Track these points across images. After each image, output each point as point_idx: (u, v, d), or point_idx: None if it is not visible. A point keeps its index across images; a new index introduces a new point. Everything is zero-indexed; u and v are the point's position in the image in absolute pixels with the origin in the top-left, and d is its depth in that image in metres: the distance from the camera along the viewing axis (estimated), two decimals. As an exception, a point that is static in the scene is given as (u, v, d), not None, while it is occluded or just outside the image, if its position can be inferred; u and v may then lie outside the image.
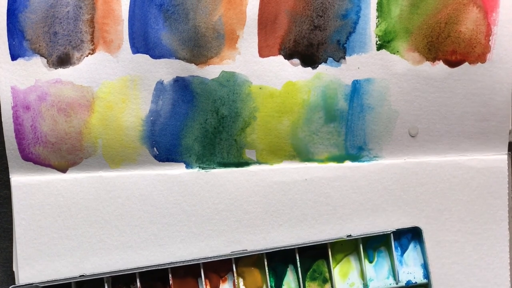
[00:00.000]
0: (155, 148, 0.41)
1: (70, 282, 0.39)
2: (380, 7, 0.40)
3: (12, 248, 0.42)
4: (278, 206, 0.42)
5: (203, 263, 0.40)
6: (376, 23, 0.40)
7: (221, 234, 0.42)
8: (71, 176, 0.41)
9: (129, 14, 0.39)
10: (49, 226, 0.41)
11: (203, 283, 0.41)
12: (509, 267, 0.43)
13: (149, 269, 0.39)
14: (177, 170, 0.41)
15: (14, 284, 0.40)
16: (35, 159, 0.41)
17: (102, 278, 0.40)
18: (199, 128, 0.41)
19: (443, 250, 0.42)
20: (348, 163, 0.42)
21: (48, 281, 0.39)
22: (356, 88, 0.41)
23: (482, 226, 0.43)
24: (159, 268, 0.40)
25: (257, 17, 0.40)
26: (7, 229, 0.42)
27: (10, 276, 0.42)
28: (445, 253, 0.42)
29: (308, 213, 0.42)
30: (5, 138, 0.40)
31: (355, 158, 0.42)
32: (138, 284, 0.40)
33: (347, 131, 0.41)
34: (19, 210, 0.41)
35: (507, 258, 0.43)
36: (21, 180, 0.41)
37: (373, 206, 0.42)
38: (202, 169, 0.41)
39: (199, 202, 0.41)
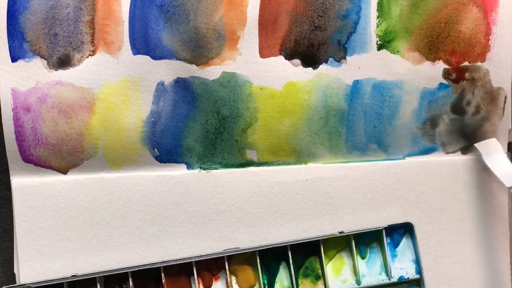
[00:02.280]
0: (156, 149, 0.41)
1: (63, 282, 0.39)
2: (380, 7, 0.40)
3: (12, 249, 0.42)
4: (279, 207, 0.42)
5: (195, 261, 0.40)
6: (377, 23, 0.40)
7: (222, 235, 0.41)
8: (72, 177, 0.41)
9: (129, 15, 0.39)
10: (50, 227, 0.41)
11: (196, 281, 0.41)
12: (510, 267, 0.43)
13: (141, 268, 0.39)
14: (178, 171, 0.41)
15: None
16: (36, 161, 0.40)
17: (95, 278, 0.39)
18: (200, 129, 0.41)
19: (444, 249, 0.42)
20: (349, 163, 0.42)
21: (40, 282, 0.39)
22: (357, 88, 0.41)
23: (483, 225, 0.43)
24: (152, 267, 0.40)
25: (257, 18, 0.40)
26: (7, 230, 0.42)
27: (11, 277, 0.42)
28: (446, 252, 0.42)
29: (309, 214, 0.42)
30: (6, 140, 0.40)
31: (356, 158, 0.42)
32: (131, 283, 0.39)
33: (348, 131, 0.41)
34: (20, 212, 0.40)
35: (508, 257, 0.43)
36: (22, 182, 0.41)
37: (374, 206, 0.42)
38: (203, 170, 0.41)
39: (200, 203, 0.41)
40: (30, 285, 0.39)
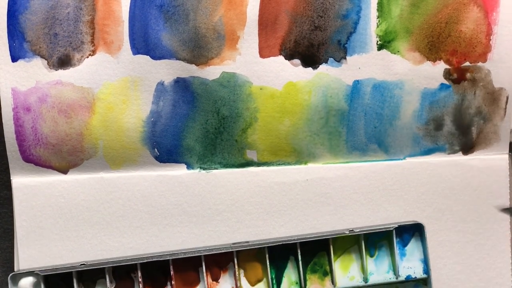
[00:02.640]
0: (156, 149, 0.41)
1: (71, 271, 0.39)
2: (380, 7, 0.40)
3: (12, 249, 0.42)
4: (279, 207, 0.42)
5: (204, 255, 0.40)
6: (377, 23, 0.40)
7: (222, 235, 0.41)
8: (72, 177, 0.41)
9: (129, 15, 0.39)
10: (50, 227, 0.41)
11: (204, 274, 0.41)
12: (511, 267, 0.43)
13: (150, 260, 0.39)
14: (178, 171, 0.41)
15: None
16: (36, 161, 0.41)
17: (103, 267, 0.40)
18: (200, 128, 0.41)
19: (445, 250, 0.42)
20: (349, 164, 0.42)
21: (49, 269, 0.39)
22: (357, 88, 0.41)
23: (484, 225, 0.43)
24: (160, 259, 0.40)
25: (257, 18, 0.40)
26: (8, 229, 0.42)
27: (11, 278, 0.42)
28: (446, 252, 0.42)
29: (309, 214, 0.42)
30: (6, 140, 0.40)
31: (356, 158, 0.42)
32: (139, 273, 0.40)
33: (348, 131, 0.41)
34: (20, 212, 0.41)
35: (509, 257, 0.43)
36: (22, 182, 0.41)
37: (374, 206, 0.42)
38: (203, 169, 0.41)
39: (200, 203, 0.41)
40: (38, 272, 0.39)
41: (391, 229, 0.41)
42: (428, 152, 0.42)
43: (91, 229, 0.41)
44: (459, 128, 0.42)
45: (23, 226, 0.41)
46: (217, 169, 0.42)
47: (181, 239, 0.41)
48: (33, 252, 0.41)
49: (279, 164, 0.42)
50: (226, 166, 0.42)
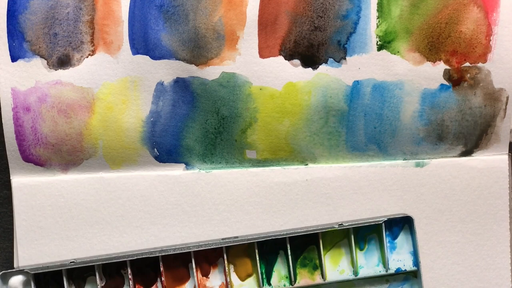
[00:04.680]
0: (155, 149, 0.41)
1: (61, 269, 0.40)
2: (380, 7, 0.40)
3: (12, 249, 0.42)
4: (278, 207, 0.42)
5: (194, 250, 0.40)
6: (377, 24, 0.40)
7: (222, 234, 0.42)
8: (72, 177, 0.41)
9: (129, 15, 0.39)
10: (50, 227, 0.41)
11: (194, 270, 0.41)
12: (510, 268, 0.43)
13: (140, 257, 0.40)
14: (178, 171, 0.41)
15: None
16: (36, 160, 0.41)
17: (93, 265, 0.40)
18: (199, 128, 0.41)
19: (444, 250, 0.42)
20: (348, 164, 0.42)
21: (39, 267, 0.39)
22: (357, 89, 0.41)
23: (483, 226, 0.43)
24: (150, 255, 0.40)
25: (257, 18, 0.40)
26: (7, 229, 0.43)
27: (11, 277, 0.42)
28: (446, 253, 0.42)
29: (309, 214, 0.42)
30: (6, 140, 0.40)
31: (356, 158, 0.42)
32: (129, 271, 0.40)
33: (347, 131, 0.41)
34: (20, 211, 0.41)
35: (508, 258, 0.43)
36: (22, 181, 0.41)
37: (373, 206, 0.42)
38: (203, 169, 0.41)
39: (199, 203, 0.41)
40: (28, 270, 0.39)
41: (381, 222, 0.41)
42: (427, 152, 0.42)
43: (91, 228, 0.41)
44: (459, 128, 0.42)
45: (23, 225, 0.41)
46: (216, 169, 0.42)
47: (180, 239, 0.41)
48: (32, 251, 0.41)
49: (278, 164, 0.42)
50: (226, 166, 0.42)
